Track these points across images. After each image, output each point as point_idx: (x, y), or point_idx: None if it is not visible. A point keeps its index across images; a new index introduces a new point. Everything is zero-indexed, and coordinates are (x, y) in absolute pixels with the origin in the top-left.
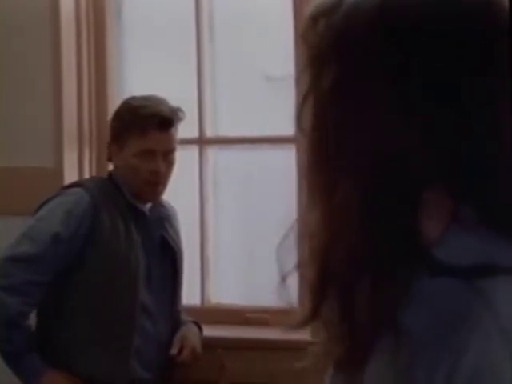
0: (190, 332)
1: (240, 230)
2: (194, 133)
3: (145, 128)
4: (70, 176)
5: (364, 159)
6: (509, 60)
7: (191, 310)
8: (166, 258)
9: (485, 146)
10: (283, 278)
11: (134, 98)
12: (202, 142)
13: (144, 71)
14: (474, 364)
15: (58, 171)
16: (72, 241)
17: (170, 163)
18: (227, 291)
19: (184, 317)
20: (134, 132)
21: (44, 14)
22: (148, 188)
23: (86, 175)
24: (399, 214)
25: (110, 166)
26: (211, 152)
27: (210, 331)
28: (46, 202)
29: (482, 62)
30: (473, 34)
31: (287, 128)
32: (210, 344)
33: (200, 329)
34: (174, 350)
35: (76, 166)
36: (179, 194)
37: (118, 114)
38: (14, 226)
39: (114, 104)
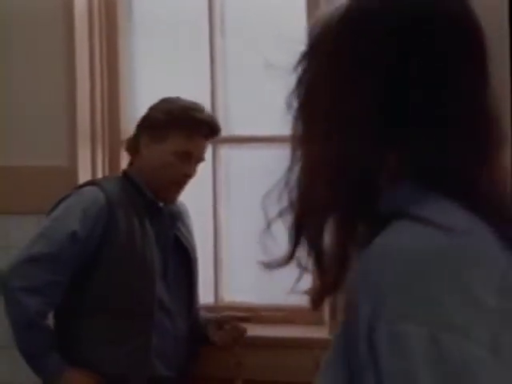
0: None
1: (253, 229)
2: None
3: (194, 131)
4: (84, 175)
5: (331, 126)
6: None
7: (205, 308)
8: (180, 256)
9: (434, 112)
10: (268, 225)
11: (179, 98)
12: (215, 141)
13: (156, 70)
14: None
15: (72, 170)
16: (88, 239)
17: (195, 171)
18: (241, 289)
19: (203, 313)
20: (181, 131)
21: (57, 14)
22: (172, 187)
23: (99, 174)
24: (358, 171)
25: (124, 165)
26: (224, 151)
27: None
28: (60, 201)
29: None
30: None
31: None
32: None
33: None
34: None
35: (89, 165)
36: (192, 193)
37: (165, 107)
38: (29, 225)
39: (125, 103)
